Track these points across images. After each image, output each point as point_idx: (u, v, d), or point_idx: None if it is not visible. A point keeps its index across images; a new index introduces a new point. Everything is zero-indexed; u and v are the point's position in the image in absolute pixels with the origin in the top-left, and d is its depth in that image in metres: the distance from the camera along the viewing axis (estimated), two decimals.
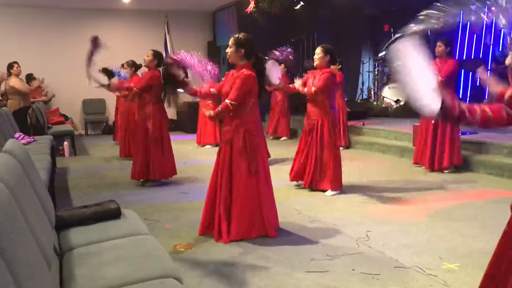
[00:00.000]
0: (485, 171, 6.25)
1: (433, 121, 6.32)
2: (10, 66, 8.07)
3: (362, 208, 4.79)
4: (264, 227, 3.94)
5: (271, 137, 10.19)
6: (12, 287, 1.46)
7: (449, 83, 6.16)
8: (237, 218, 3.87)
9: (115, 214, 2.98)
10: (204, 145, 9.34)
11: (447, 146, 6.27)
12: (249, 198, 3.89)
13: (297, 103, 10.23)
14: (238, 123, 3.89)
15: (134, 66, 7.88)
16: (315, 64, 5.34)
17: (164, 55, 7.48)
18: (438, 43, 6.36)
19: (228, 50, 3.94)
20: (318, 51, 5.32)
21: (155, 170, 5.85)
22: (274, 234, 3.96)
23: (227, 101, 3.84)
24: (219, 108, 3.91)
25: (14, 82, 7.91)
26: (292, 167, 5.67)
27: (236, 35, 3.96)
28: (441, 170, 6.34)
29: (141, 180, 6.03)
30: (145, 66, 6.02)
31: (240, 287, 3.04)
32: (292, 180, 5.67)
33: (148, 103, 5.83)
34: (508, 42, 9.78)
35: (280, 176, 6.20)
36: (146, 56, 5.94)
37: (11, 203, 1.80)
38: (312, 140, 5.36)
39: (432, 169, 6.40)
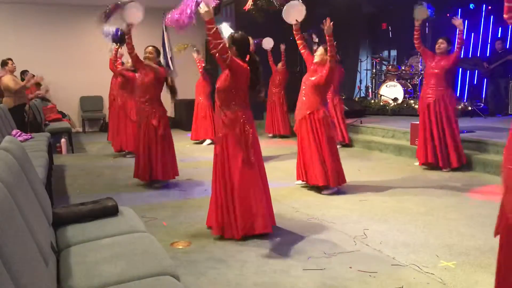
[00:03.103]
0: (483, 169, 6.26)
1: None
2: (4, 63, 7.92)
3: (360, 206, 4.79)
4: (265, 222, 3.91)
5: (270, 135, 10.18)
6: (9, 283, 1.46)
7: (449, 75, 6.29)
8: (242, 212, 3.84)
9: (112, 211, 2.98)
10: (202, 141, 9.33)
11: (450, 145, 6.28)
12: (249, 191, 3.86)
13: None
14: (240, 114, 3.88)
15: None
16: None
17: (162, 53, 7.44)
18: (440, 41, 6.36)
19: None
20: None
21: (161, 169, 5.63)
22: (271, 229, 3.95)
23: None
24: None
25: (5, 79, 7.77)
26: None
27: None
28: (446, 167, 6.34)
29: (147, 181, 5.81)
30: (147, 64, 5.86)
31: (237, 285, 3.04)
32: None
33: (149, 101, 5.68)
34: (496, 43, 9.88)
35: (277, 175, 6.21)
36: (149, 53, 5.90)
37: (8, 200, 1.79)
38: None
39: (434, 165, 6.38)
